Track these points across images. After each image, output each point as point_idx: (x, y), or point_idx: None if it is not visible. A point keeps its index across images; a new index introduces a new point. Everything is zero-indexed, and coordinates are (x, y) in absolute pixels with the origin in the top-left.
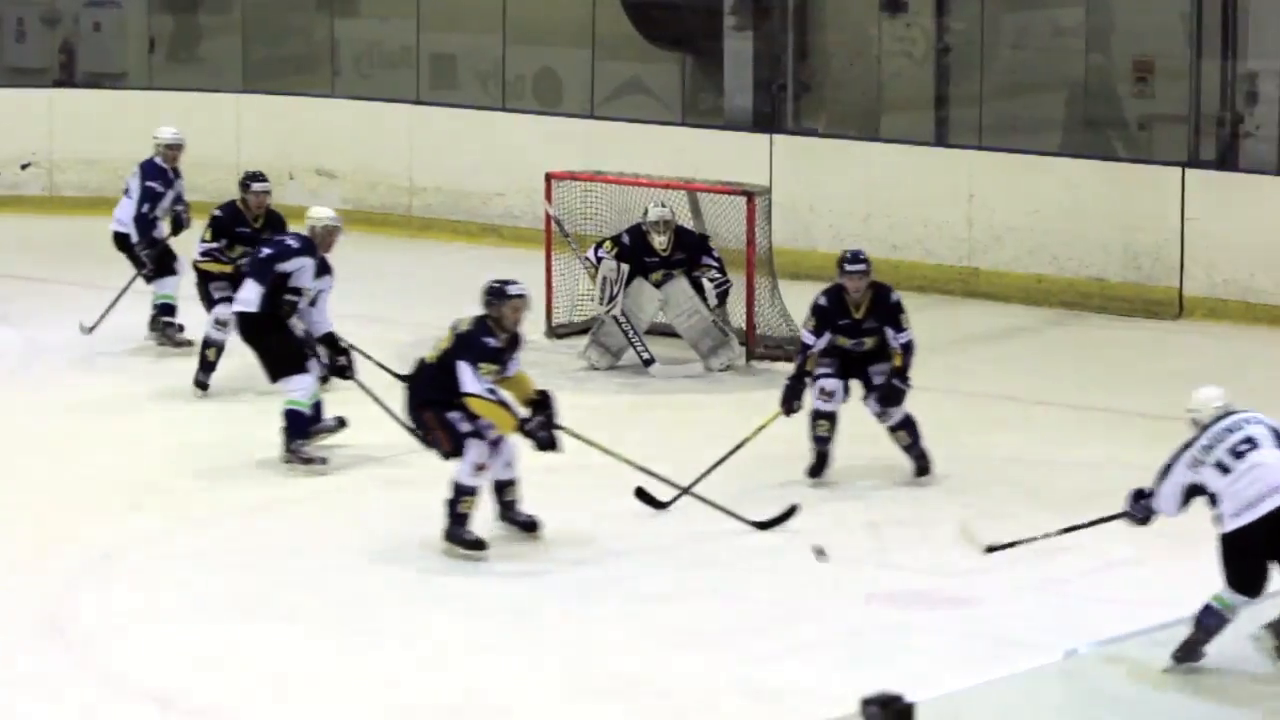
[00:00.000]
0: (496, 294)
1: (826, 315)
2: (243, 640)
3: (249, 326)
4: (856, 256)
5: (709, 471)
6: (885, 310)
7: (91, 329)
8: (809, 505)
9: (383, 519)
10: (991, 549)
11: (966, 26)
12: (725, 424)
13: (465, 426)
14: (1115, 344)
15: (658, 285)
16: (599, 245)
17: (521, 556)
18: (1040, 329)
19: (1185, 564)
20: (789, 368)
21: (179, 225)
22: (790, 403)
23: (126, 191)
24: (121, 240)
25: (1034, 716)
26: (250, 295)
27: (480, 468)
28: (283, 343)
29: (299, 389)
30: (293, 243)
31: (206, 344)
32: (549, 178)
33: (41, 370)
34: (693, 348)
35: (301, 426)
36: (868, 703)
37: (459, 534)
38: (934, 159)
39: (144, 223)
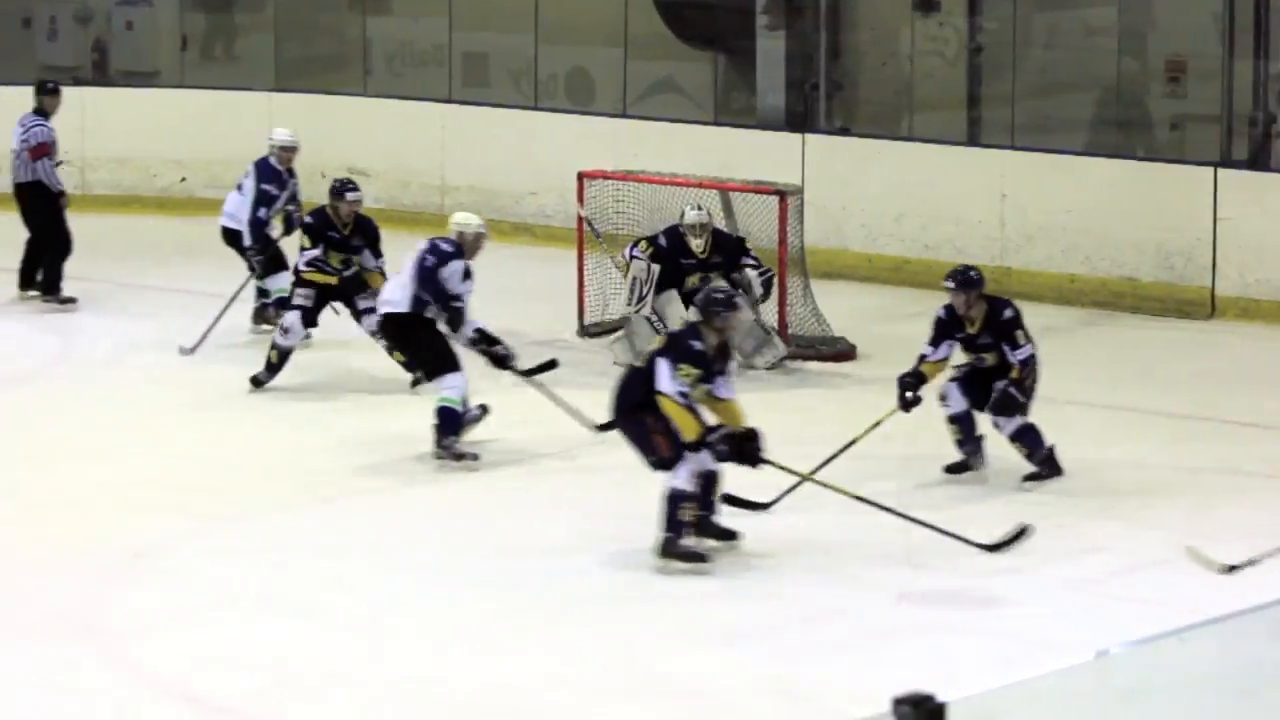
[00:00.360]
0: (716, 304)
1: (942, 327)
2: (273, 639)
3: (397, 327)
4: (951, 274)
5: (824, 464)
6: (998, 327)
7: (193, 349)
8: (838, 507)
9: (413, 517)
10: (1233, 568)
11: (999, 26)
12: (759, 423)
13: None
14: (1147, 344)
15: (695, 289)
16: (635, 244)
17: (552, 557)
18: (1072, 329)
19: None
20: (821, 367)
21: (290, 226)
22: (901, 398)
23: (239, 187)
24: (230, 236)
25: (1065, 717)
26: (399, 296)
27: (696, 475)
28: (434, 341)
29: (453, 387)
30: (448, 248)
31: (272, 346)
32: (581, 177)
33: (73, 368)
34: (735, 349)
35: (455, 424)
36: (899, 702)
37: (680, 548)
38: (966, 158)
39: (258, 225)
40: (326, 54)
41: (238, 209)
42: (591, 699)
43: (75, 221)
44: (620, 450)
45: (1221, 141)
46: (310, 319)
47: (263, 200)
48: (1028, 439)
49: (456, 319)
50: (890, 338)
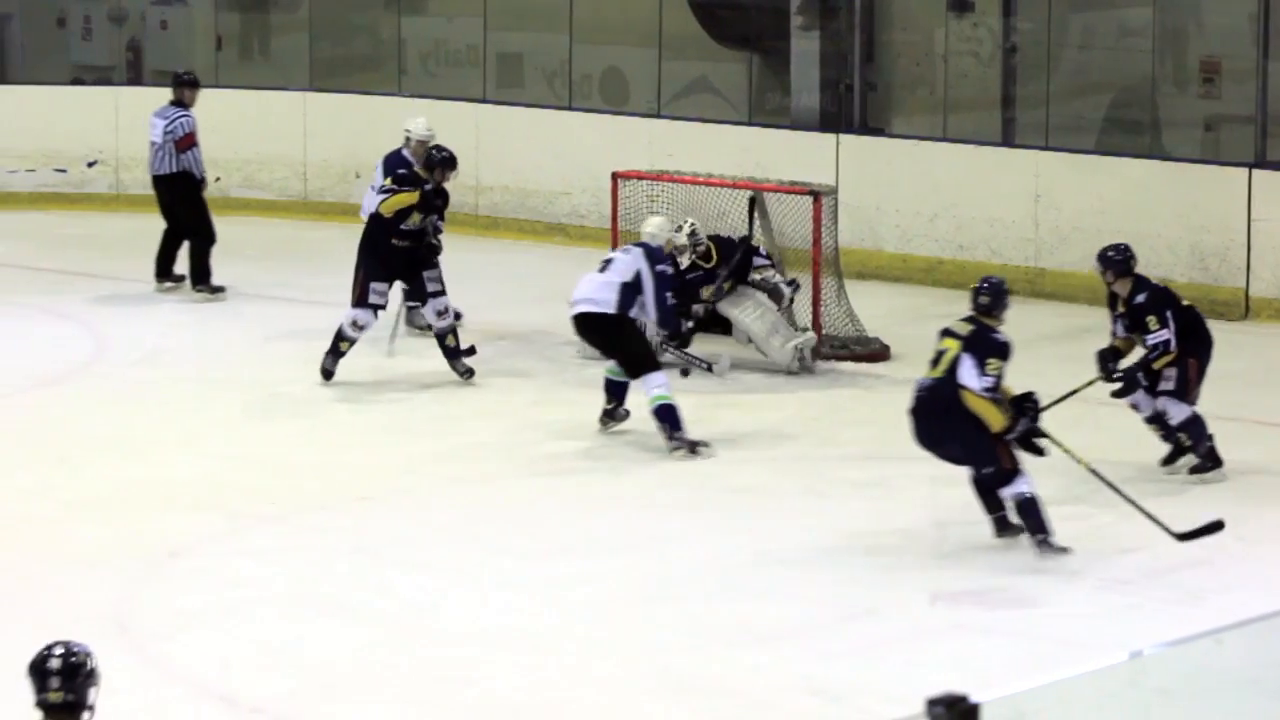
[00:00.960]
0: (1002, 294)
1: (1110, 305)
2: (307, 638)
3: (599, 326)
4: (1100, 251)
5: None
6: (1130, 310)
7: (392, 347)
8: (873, 507)
9: (448, 517)
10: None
11: (1033, 26)
12: (793, 423)
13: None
14: None
15: (712, 300)
16: None
17: (585, 556)
18: (1107, 330)
19: (1249, 565)
20: (855, 368)
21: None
22: (1103, 368)
23: (372, 185)
24: None
25: (1100, 718)
26: (604, 296)
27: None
28: (640, 341)
29: (662, 384)
30: (664, 255)
31: (341, 337)
32: (615, 177)
33: (107, 367)
34: (762, 348)
35: (676, 417)
36: (933, 703)
37: (1052, 543)
38: (1001, 159)
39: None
40: (361, 54)
41: (372, 203)
42: (626, 698)
43: (109, 221)
44: (649, 449)
45: (1256, 142)
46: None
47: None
48: (1193, 430)
49: (674, 324)
50: (924, 338)
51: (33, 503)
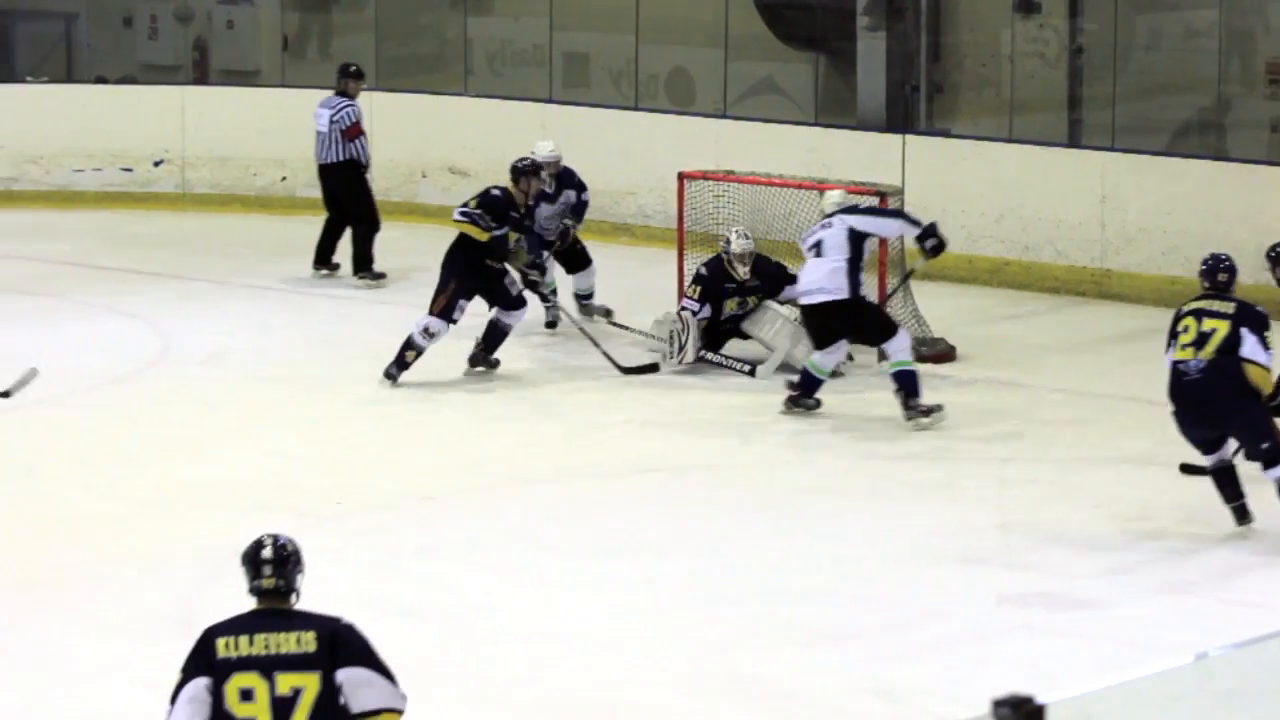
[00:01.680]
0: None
1: None
2: (371, 637)
3: (840, 311)
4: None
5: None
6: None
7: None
8: (938, 508)
9: (513, 517)
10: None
11: (1099, 27)
12: (857, 423)
13: None
14: None
15: (734, 314)
16: (689, 295)
17: (648, 556)
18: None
19: None
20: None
21: (565, 236)
22: None
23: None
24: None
25: None
26: (835, 284)
27: None
28: (875, 309)
29: (905, 348)
30: None
31: (410, 345)
32: (681, 177)
33: (173, 366)
34: (789, 358)
35: (915, 382)
36: (999, 704)
37: None
38: (1067, 160)
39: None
40: (427, 53)
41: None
42: (688, 698)
43: (175, 220)
44: (713, 450)
45: None
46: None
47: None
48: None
49: (913, 218)
50: (989, 339)
51: (100, 501)
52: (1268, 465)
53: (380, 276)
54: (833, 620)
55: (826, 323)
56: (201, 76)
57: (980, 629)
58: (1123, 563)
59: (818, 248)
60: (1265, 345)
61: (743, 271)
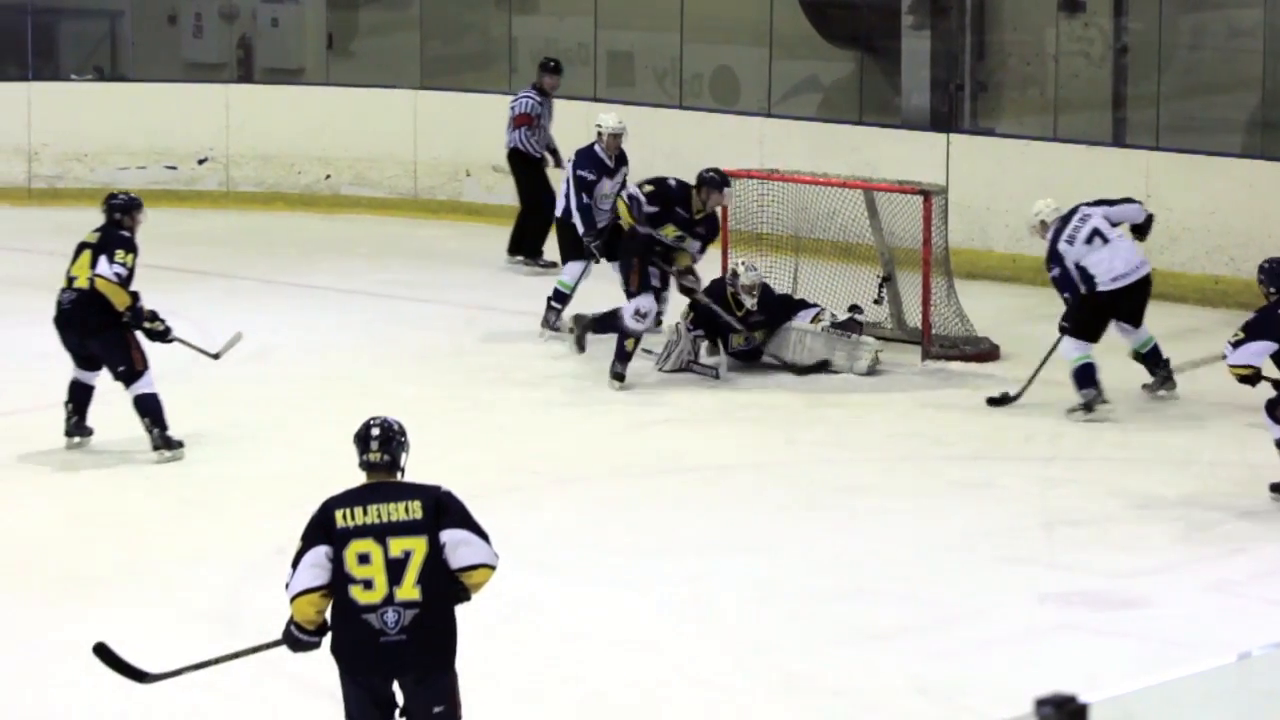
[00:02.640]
0: None
1: None
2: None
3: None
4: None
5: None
6: None
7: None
8: (982, 508)
9: (555, 515)
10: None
11: (1144, 27)
12: (900, 422)
13: None
14: None
15: (740, 348)
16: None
17: (693, 555)
18: (1216, 330)
19: None
20: (964, 368)
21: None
22: None
23: (566, 179)
24: (560, 224)
25: (1208, 719)
26: (1139, 258)
27: None
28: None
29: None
30: None
31: (627, 335)
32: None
33: (217, 365)
34: (832, 363)
35: (1092, 376)
36: (1041, 703)
37: None
38: (1111, 159)
39: (585, 212)
40: (472, 52)
41: (564, 197)
42: (733, 697)
43: (219, 218)
44: (756, 448)
45: None
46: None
47: (581, 186)
48: None
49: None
50: (1033, 338)
51: (143, 498)
52: None
53: (550, 265)
54: (875, 619)
55: (1142, 298)
56: (246, 74)
57: (1023, 628)
58: (1165, 562)
59: (1099, 235)
60: None
61: (750, 303)
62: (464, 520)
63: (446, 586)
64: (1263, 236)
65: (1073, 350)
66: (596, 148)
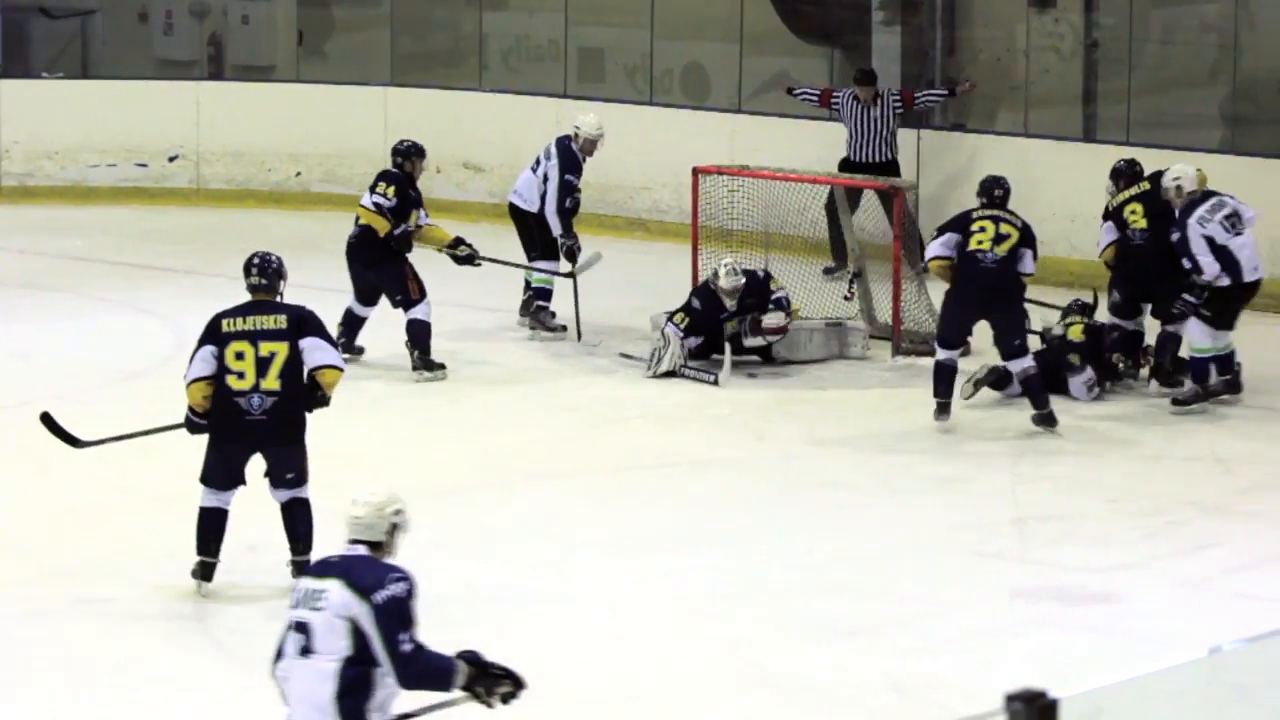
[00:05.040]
0: None
1: None
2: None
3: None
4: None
5: None
6: None
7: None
8: (952, 503)
9: (526, 511)
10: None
11: (1115, 22)
12: (872, 418)
13: None
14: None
15: (735, 333)
16: (671, 317)
17: (665, 551)
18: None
19: None
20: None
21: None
22: None
23: (533, 167)
24: (517, 214)
25: (1179, 714)
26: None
27: None
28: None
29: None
30: None
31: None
32: (696, 172)
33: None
34: (833, 355)
35: (1209, 371)
36: (1011, 699)
37: None
38: (1082, 154)
39: (566, 216)
40: (442, 49)
41: (527, 188)
42: (706, 693)
43: (189, 216)
44: (729, 444)
45: None
46: None
47: (567, 190)
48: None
49: None
50: None
51: (114, 496)
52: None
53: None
54: (847, 615)
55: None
56: (216, 72)
57: (994, 624)
58: (1137, 557)
59: (1236, 218)
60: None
61: (729, 304)
62: (319, 331)
63: (301, 383)
64: None
65: (1205, 338)
66: (573, 147)
